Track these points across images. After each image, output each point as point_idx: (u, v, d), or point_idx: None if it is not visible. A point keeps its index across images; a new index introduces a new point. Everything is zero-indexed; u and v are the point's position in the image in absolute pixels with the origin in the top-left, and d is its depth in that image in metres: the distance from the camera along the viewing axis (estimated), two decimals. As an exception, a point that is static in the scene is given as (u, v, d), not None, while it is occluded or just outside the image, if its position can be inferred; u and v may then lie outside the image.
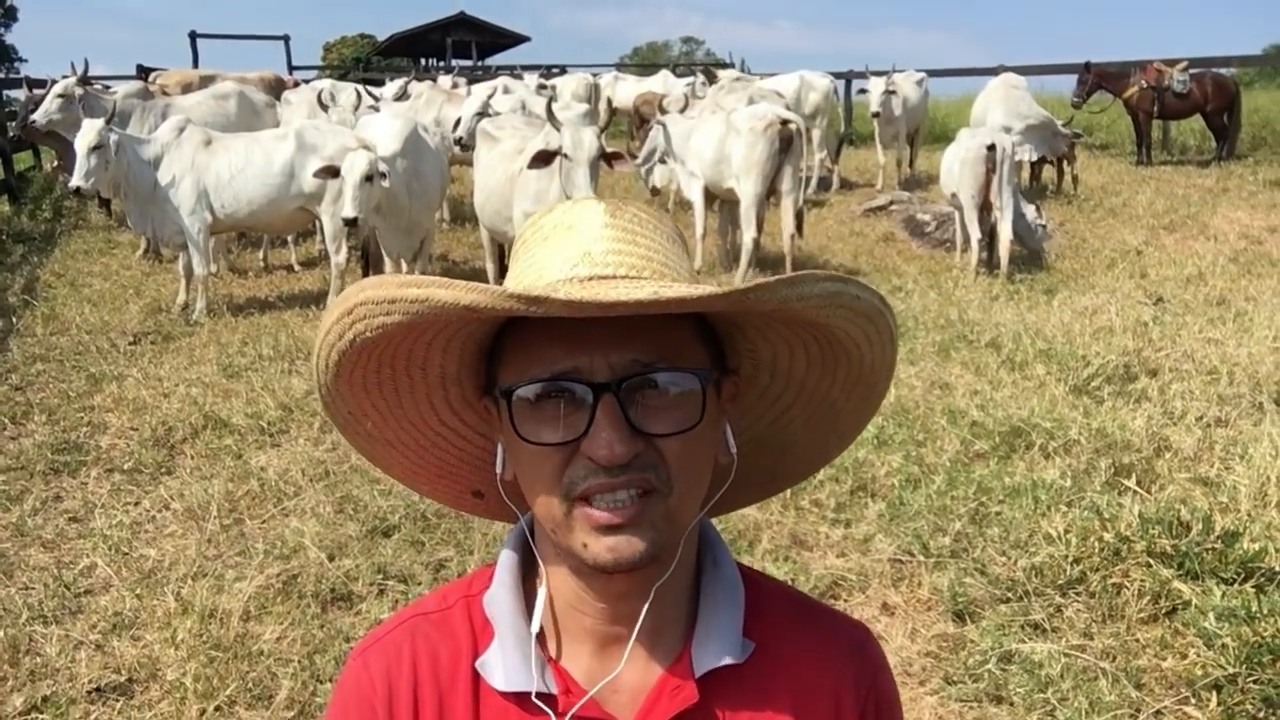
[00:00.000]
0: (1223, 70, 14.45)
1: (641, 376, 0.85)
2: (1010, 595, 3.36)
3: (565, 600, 0.95)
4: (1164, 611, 3.17)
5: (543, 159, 6.39)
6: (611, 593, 0.92)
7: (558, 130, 6.49)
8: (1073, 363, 5.62)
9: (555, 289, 0.79)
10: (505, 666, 0.93)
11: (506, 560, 0.99)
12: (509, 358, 0.90)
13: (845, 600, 3.48)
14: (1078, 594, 3.32)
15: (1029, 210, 8.78)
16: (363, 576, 3.65)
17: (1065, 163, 12.05)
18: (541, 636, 0.95)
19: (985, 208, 8.28)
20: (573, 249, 0.89)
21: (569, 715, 0.92)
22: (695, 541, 0.98)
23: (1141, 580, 3.25)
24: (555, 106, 8.72)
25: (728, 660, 0.94)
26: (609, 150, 6.55)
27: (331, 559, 3.77)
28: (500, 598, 0.97)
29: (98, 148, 6.88)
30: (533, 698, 0.91)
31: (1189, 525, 3.45)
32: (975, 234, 8.32)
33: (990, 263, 8.40)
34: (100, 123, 7.02)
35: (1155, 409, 4.89)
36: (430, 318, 0.83)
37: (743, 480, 1.01)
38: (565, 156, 6.33)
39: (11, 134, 12.30)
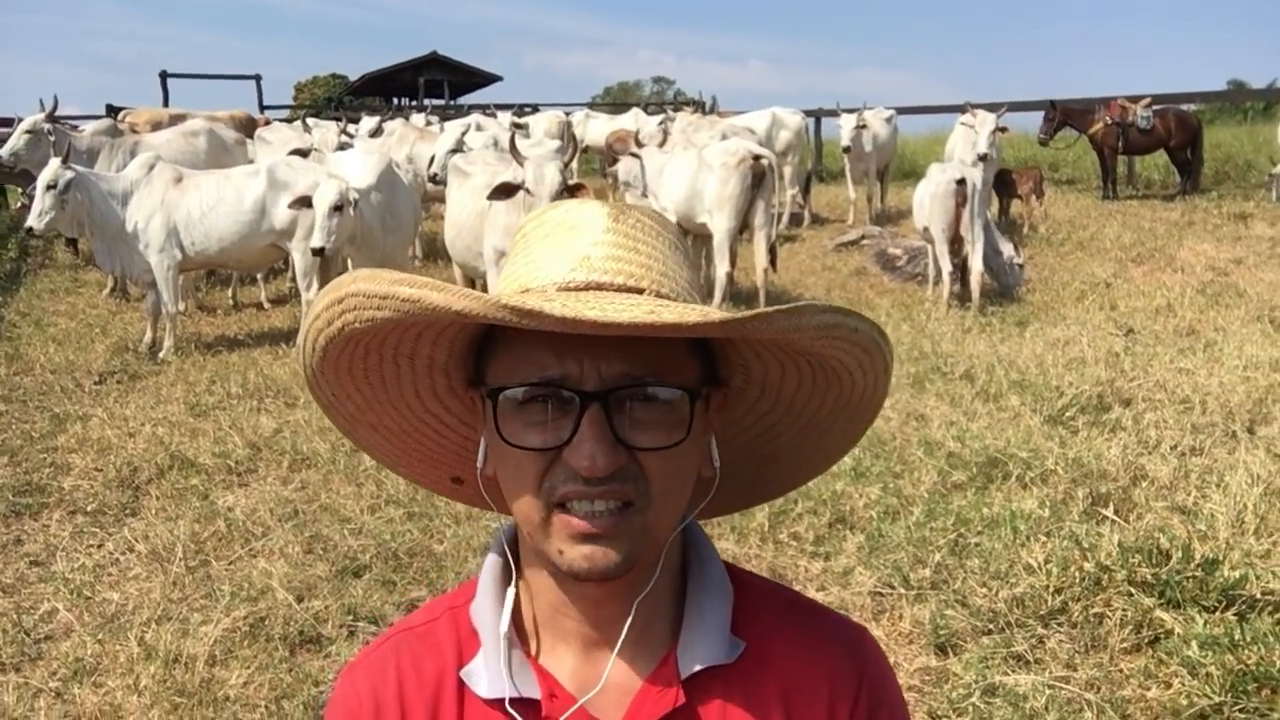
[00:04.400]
0: (1185, 106, 14.70)
1: (630, 389, 0.84)
2: (992, 627, 3.32)
3: (548, 603, 0.94)
4: (1147, 641, 3.14)
5: (504, 191, 6.39)
6: (590, 599, 0.91)
7: (521, 165, 6.49)
8: (1047, 393, 5.63)
9: (550, 296, 0.79)
10: (489, 673, 0.92)
11: (490, 566, 0.98)
12: (498, 356, 0.89)
13: (825, 635, 3.42)
14: (1060, 624, 3.29)
15: (1006, 248, 8.85)
16: (332, 618, 3.57)
17: (1034, 198, 12.18)
18: (526, 640, 0.95)
19: (956, 241, 8.34)
20: (572, 251, 0.88)
21: (556, 717, 0.90)
22: (679, 545, 0.97)
23: (1123, 609, 3.22)
24: (527, 143, 8.73)
25: (714, 661, 0.93)
26: (572, 183, 6.56)
27: (300, 600, 3.68)
28: (483, 605, 0.96)
29: (52, 186, 6.80)
30: (506, 705, 0.90)
31: (1169, 554, 3.43)
32: (946, 267, 8.36)
33: (962, 296, 8.44)
34: (57, 161, 6.94)
35: (1130, 438, 4.89)
36: (420, 317, 0.82)
37: (726, 489, 1.00)
38: (527, 191, 6.33)
39: (-23, 174, 12.20)
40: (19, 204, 12.77)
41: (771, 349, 0.92)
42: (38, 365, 7.05)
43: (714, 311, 0.79)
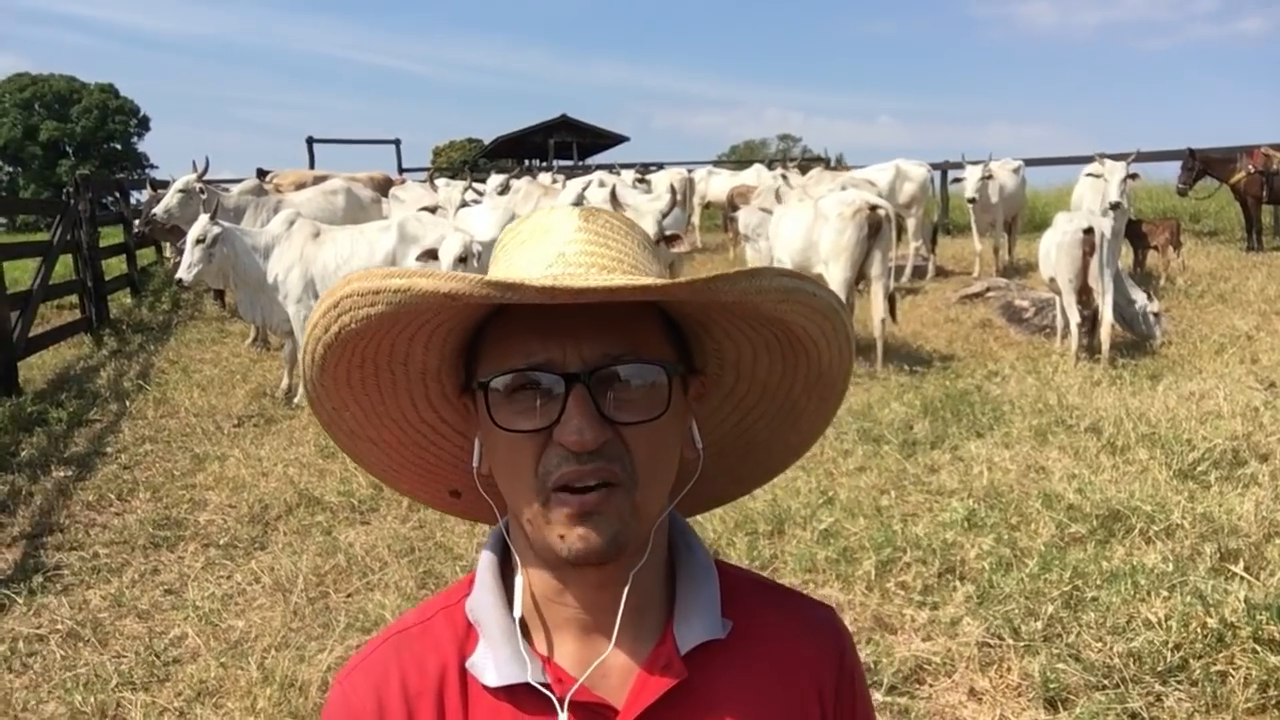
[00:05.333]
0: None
1: (611, 368, 0.88)
2: (1106, 682, 3.19)
3: (545, 594, 0.96)
4: (1274, 701, 2.97)
5: None
6: (588, 584, 0.94)
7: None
8: (1177, 447, 5.39)
9: (530, 279, 0.83)
10: (496, 662, 0.95)
11: (485, 561, 1.01)
12: (487, 352, 0.93)
13: (930, 685, 3.34)
14: (1179, 682, 3.13)
15: (1139, 297, 8.55)
16: (441, 650, 3.66)
17: (1172, 249, 11.75)
18: (526, 630, 0.97)
19: (1084, 291, 8.11)
20: (548, 251, 0.93)
21: (566, 703, 0.92)
22: (666, 529, 1.00)
23: (1248, 668, 3.06)
24: (646, 197, 8.90)
25: (710, 636, 0.97)
26: (668, 234, 6.69)
27: (411, 632, 3.78)
28: (482, 598, 0.98)
29: (200, 241, 7.28)
30: (531, 682, 0.92)
31: (1301, 612, 3.25)
32: (1075, 318, 8.13)
33: (1091, 348, 8.18)
34: (206, 217, 7.43)
35: (1265, 493, 4.65)
36: (411, 307, 0.86)
37: (710, 482, 1.05)
38: None
39: (136, 230, 13.09)
40: (173, 258, 13.65)
41: (740, 323, 0.96)
42: (182, 409, 7.49)
43: (683, 279, 0.85)
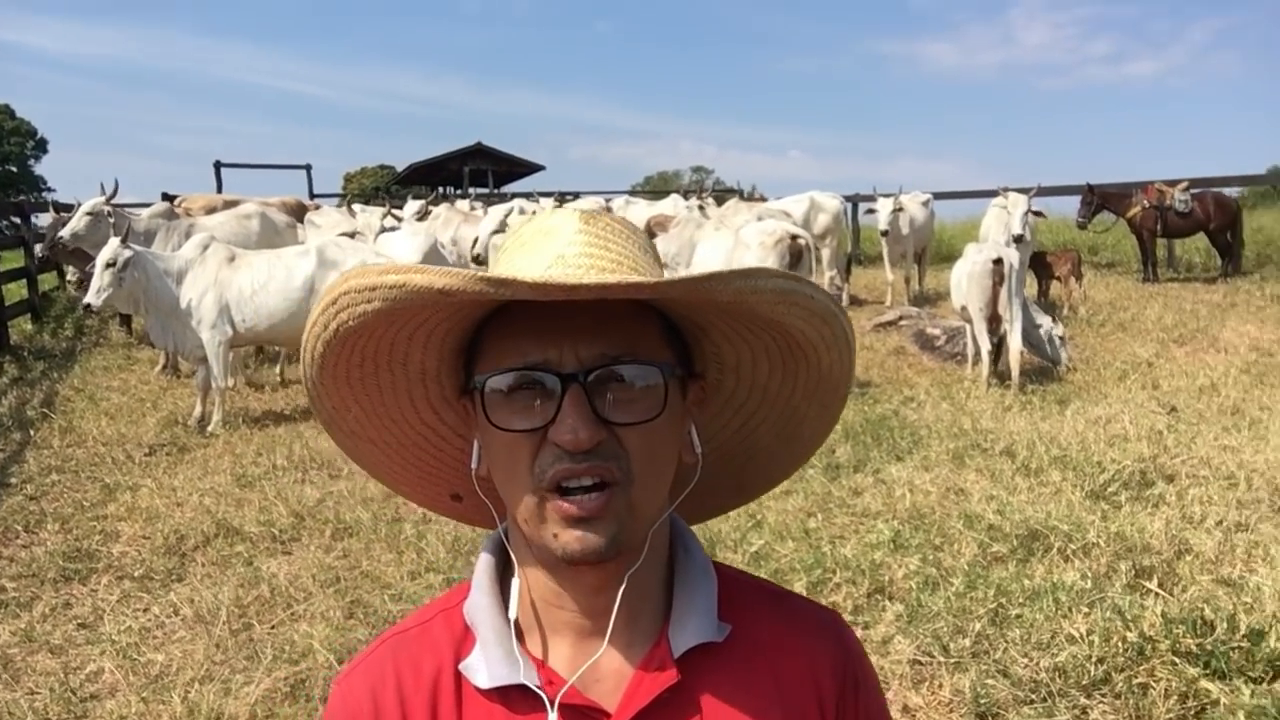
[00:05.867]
0: (1224, 190, 14.72)
1: (608, 368, 0.89)
2: (1034, 696, 3.28)
3: (542, 597, 0.96)
4: (1193, 712, 3.08)
5: None
6: (586, 586, 0.94)
7: None
8: (1088, 469, 5.59)
9: (523, 276, 0.82)
10: (489, 664, 0.95)
11: (483, 564, 1.01)
12: (484, 352, 0.94)
13: (864, 703, 3.38)
14: (1103, 694, 3.24)
15: (1045, 321, 8.84)
16: (372, 680, 3.58)
17: (1073, 280, 12.19)
18: (522, 633, 0.97)
19: (994, 320, 8.36)
20: (548, 252, 0.93)
21: (555, 703, 0.92)
22: (665, 533, 1.00)
23: (1168, 680, 3.17)
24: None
25: (704, 639, 0.96)
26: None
27: (341, 662, 3.71)
28: (479, 601, 0.98)
29: (111, 264, 7.06)
30: (518, 684, 0.92)
31: (1213, 625, 3.39)
32: (985, 345, 8.37)
33: (1001, 374, 8.43)
34: (116, 241, 7.22)
35: (1174, 513, 4.84)
36: (407, 303, 0.86)
37: (710, 491, 1.04)
38: None
39: (39, 255, 12.63)
40: (76, 284, 13.20)
41: (738, 326, 0.96)
42: (90, 438, 7.22)
43: (678, 277, 0.85)
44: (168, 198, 14.08)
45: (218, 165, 24.75)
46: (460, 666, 0.96)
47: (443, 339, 0.95)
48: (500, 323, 0.92)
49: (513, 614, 0.96)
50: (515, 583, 0.97)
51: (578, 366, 0.88)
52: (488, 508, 1.01)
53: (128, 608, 4.35)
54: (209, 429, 7.43)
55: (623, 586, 0.93)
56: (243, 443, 7.08)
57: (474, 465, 0.98)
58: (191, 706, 3.40)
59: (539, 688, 0.93)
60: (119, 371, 10.09)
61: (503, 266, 0.97)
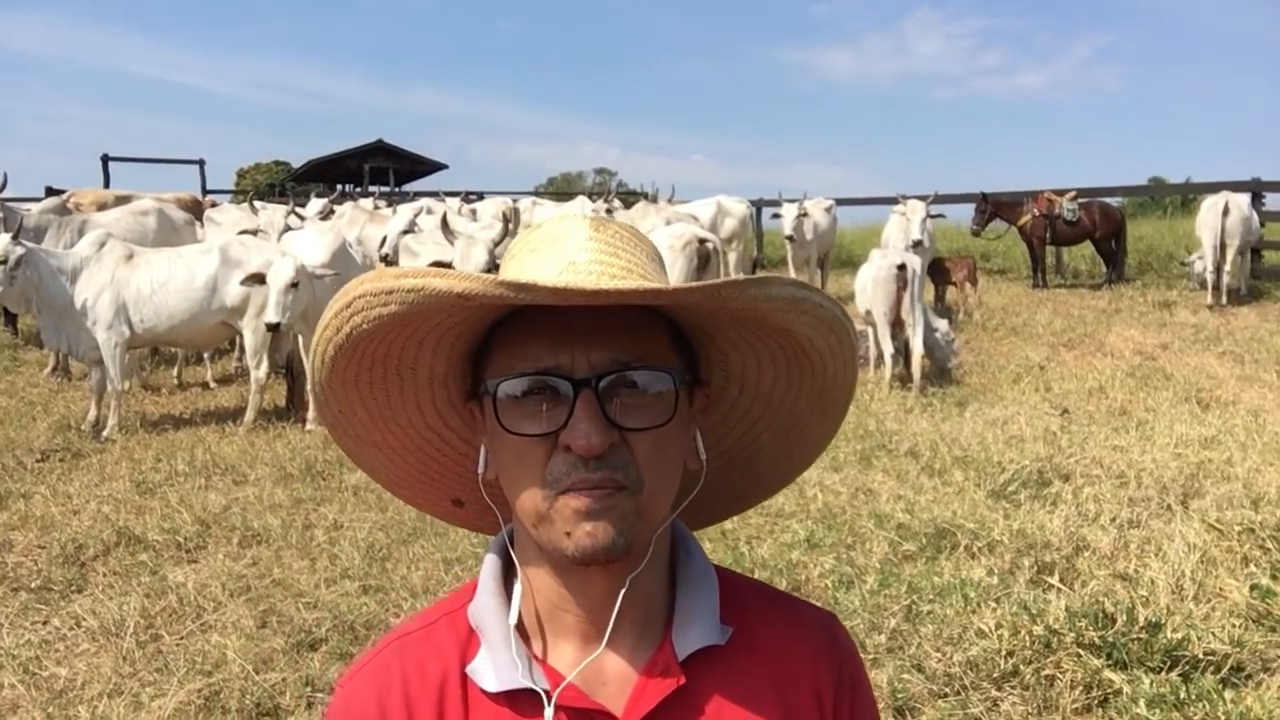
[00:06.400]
0: (1109, 199, 15.38)
1: (619, 374, 0.90)
2: (948, 690, 3.39)
3: (547, 600, 0.97)
4: (1097, 701, 3.23)
5: (437, 267, 6.54)
6: (591, 589, 0.95)
7: (451, 244, 6.63)
8: (989, 469, 5.79)
9: (542, 280, 0.84)
10: (496, 667, 0.95)
11: (489, 566, 1.01)
12: (496, 356, 0.94)
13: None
14: (1013, 686, 3.37)
15: (940, 324, 9.11)
16: (290, 689, 3.52)
17: (969, 285, 12.59)
18: (527, 637, 0.98)
19: (897, 324, 8.59)
20: (559, 259, 0.94)
21: (561, 709, 0.93)
22: (667, 538, 1.02)
23: (1073, 671, 3.31)
24: (477, 225, 8.87)
25: (708, 642, 0.98)
26: (499, 263, 6.66)
27: (256, 673, 3.63)
28: (484, 604, 0.99)
29: (2, 262, 6.77)
30: (523, 688, 0.93)
31: (1113, 617, 3.55)
32: (888, 349, 8.59)
33: (904, 377, 8.66)
34: (7, 237, 6.92)
35: (1070, 510, 5.05)
36: (424, 307, 0.87)
37: (712, 497, 1.06)
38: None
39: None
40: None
41: (746, 333, 0.98)
42: (-25, 443, 6.90)
43: (694, 284, 0.87)
44: (54, 192, 13.53)
45: (105, 159, 23.79)
46: (467, 670, 0.97)
47: (453, 343, 0.96)
48: (510, 327, 0.93)
49: (513, 619, 0.96)
50: (517, 586, 0.98)
51: (590, 372, 0.89)
52: (489, 513, 1.01)
53: (26, 620, 4.18)
54: (104, 434, 7.17)
55: (624, 590, 0.94)
56: (141, 448, 6.86)
57: (481, 470, 0.99)
58: (101, 721, 3.29)
59: (547, 692, 0.93)
60: (5, 374, 9.67)
61: (513, 272, 0.97)
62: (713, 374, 1.04)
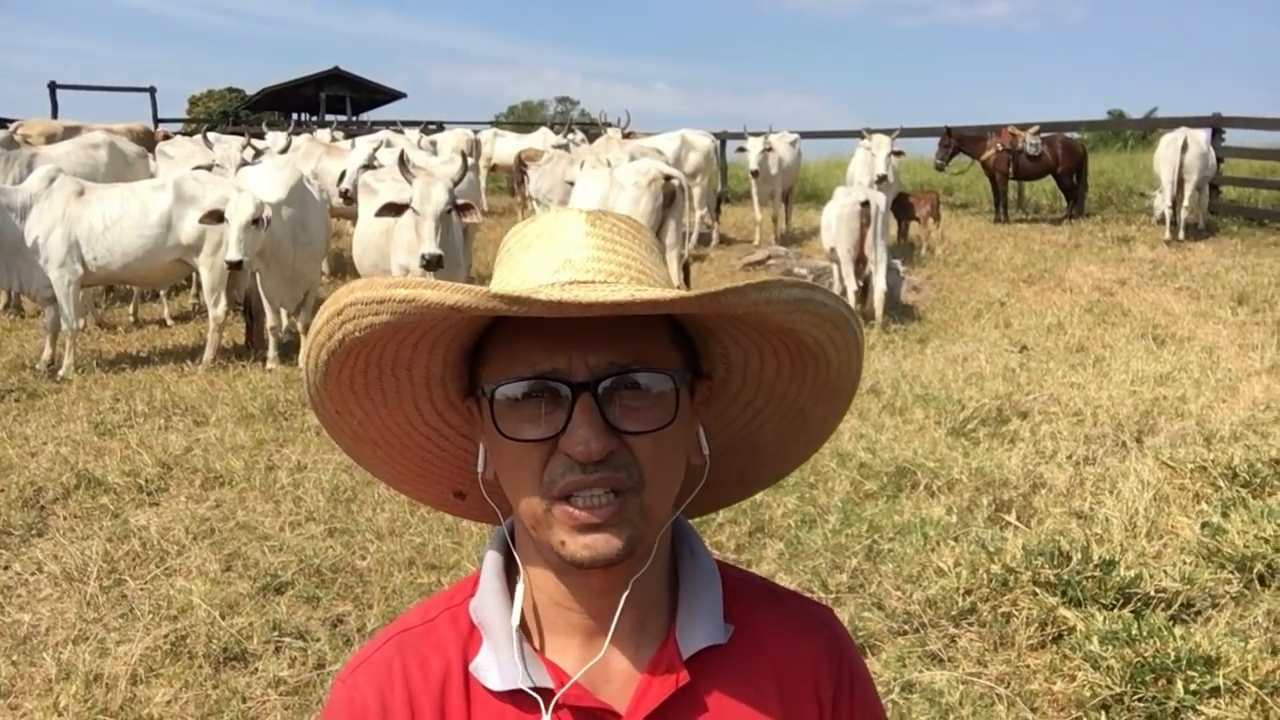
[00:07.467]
0: (1071, 134, 15.41)
1: (618, 377, 0.88)
2: (907, 628, 3.47)
3: (549, 597, 0.97)
4: (1051, 638, 3.32)
5: (392, 209, 6.44)
6: (592, 588, 0.95)
7: (409, 183, 6.52)
8: (949, 407, 5.86)
9: (537, 292, 0.82)
10: (499, 665, 0.95)
11: (491, 562, 1.01)
12: (492, 358, 0.93)
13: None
14: (970, 624, 3.45)
15: (895, 262, 9.16)
16: (257, 634, 3.53)
17: (931, 221, 12.63)
18: (529, 633, 0.97)
19: (860, 261, 8.62)
20: (554, 256, 0.92)
21: (565, 707, 0.93)
22: (670, 535, 1.01)
23: (1029, 609, 3.40)
24: (437, 160, 8.72)
25: (712, 641, 0.98)
26: (460, 203, 6.56)
27: (223, 617, 3.63)
28: (487, 601, 0.98)
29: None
30: (526, 690, 0.93)
31: (1069, 555, 3.63)
32: (851, 285, 8.63)
33: (866, 314, 8.71)
34: (-47, 172, 6.74)
35: (1029, 448, 5.14)
36: (416, 317, 0.86)
37: (715, 483, 1.04)
38: (414, 210, 6.37)
39: None
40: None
41: (747, 331, 0.96)
42: (-73, 384, 6.78)
43: (690, 292, 0.85)
44: (1, 124, 13.13)
45: (53, 86, 23.05)
46: (469, 667, 0.96)
47: (448, 345, 0.94)
48: (507, 329, 0.91)
49: (515, 618, 0.96)
50: (520, 586, 0.98)
51: (588, 375, 0.88)
52: (490, 506, 1.00)
53: (-14, 566, 4.15)
54: (60, 373, 7.06)
55: (626, 591, 0.94)
56: (98, 388, 6.76)
57: (480, 469, 0.98)
58: (66, 668, 3.29)
59: (551, 690, 0.93)
60: (-46, 312, 9.46)
61: (506, 269, 0.96)
62: (714, 365, 1.01)
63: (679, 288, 0.93)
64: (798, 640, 1.04)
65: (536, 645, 0.98)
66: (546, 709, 0.93)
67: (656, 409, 0.90)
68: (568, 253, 0.92)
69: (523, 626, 0.97)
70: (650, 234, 1.03)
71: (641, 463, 0.89)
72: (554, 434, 0.88)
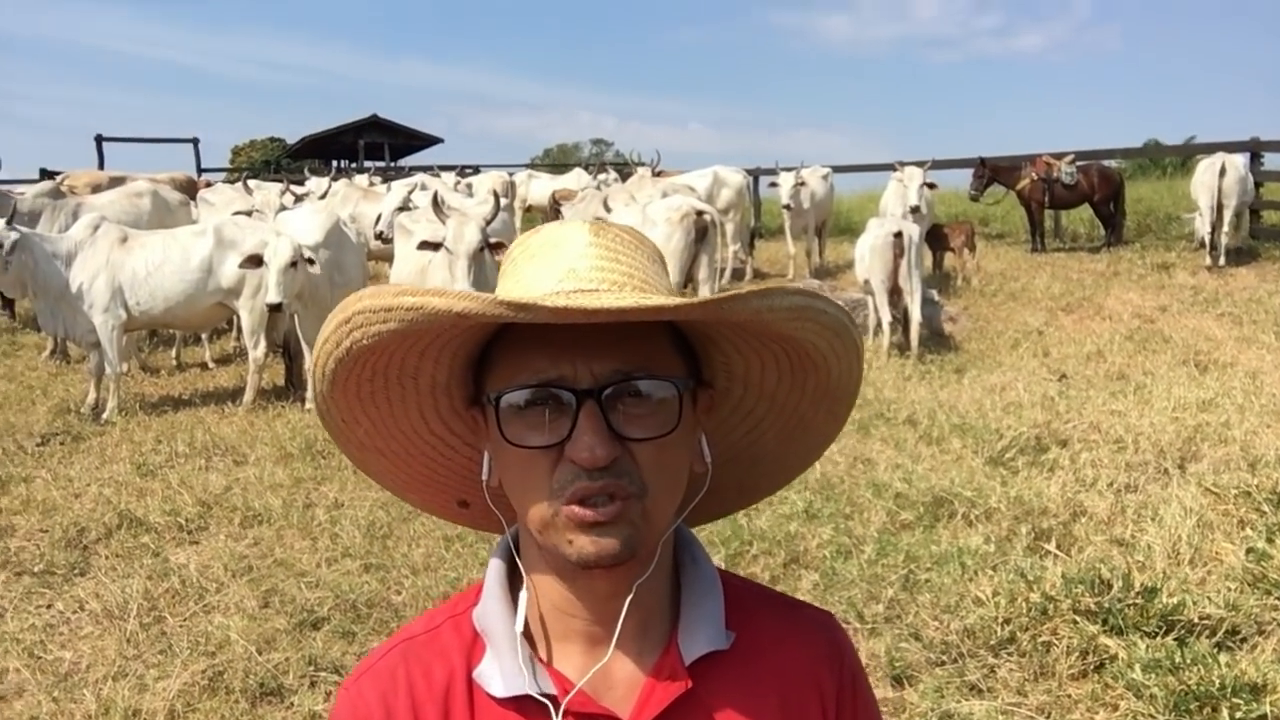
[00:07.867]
0: (1107, 162, 15.29)
1: (622, 384, 0.89)
2: (945, 658, 3.42)
3: (552, 604, 0.97)
4: (1093, 666, 3.25)
5: (430, 246, 6.53)
6: (596, 593, 0.95)
7: (443, 223, 6.61)
8: (987, 436, 5.80)
9: (542, 300, 0.83)
10: (503, 672, 0.95)
11: (494, 570, 1.02)
12: (497, 366, 0.94)
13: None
14: (1009, 653, 3.39)
15: (930, 292, 9.12)
16: (293, 669, 3.55)
17: (967, 251, 12.55)
18: (533, 640, 0.98)
19: (895, 292, 8.59)
20: (559, 266, 0.93)
21: (569, 714, 0.94)
22: (672, 542, 1.02)
23: (1069, 637, 3.34)
24: (471, 201, 8.83)
25: (714, 647, 0.98)
26: (493, 241, 6.63)
27: (260, 653, 3.66)
28: (490, 608, 0.99)
29: (-4, 247, 6.77)
30: (535, 695, 0.93)
31: (1110, 583, 3.57)
32: (886, 317, 8.59)
33: (902, 344, 8.67)
34: (1, 222, 6.91)
35: (1068, 476, 5.07)
36: (424, 325, 0.87)
37: (716, 492, 1.05)
38: (447, 249, 6.45)
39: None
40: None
41: (749, 339, 0.97)
42: (-24, 428, 6.92)
43: (694, 298, 0.86)
44: (48, 174, 13.50)
45: (99, 139, 23.72)
46: (474, 674, 0.97)
47: (454, 353, 0.95)
48: (512, 336, 0.92)
49: (519, 625, 0.96)
50: (523, 592, 0.98)
51: (593, 383, 0.88)
52: (494, 514, 1.01)
53: (30, 604, 4.21)
54: (104, 416, 7.18)
55: (630, 595, 0.94)
56: (141, 430, 6.87)
57: (485, 477, 0.99)
58: (106, 704, 3.32)
59: (554, 697, 0.94)
60: (4, 358, 9.67)
61: (510, 279, 0.97)
62: (716, 374, 1.02)
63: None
64: (799, 645, 1.04)
65: (539, 652, 0.98)
66: (556, 713, 0.93)
67: (660, 416, 0.90)
68: (572, 262, 0.93)
69: (526, 634, 0.97)
70: (653, 244, 1.04)
71: (644, 469, 0.90)
72: (559, 441, 0.89)
